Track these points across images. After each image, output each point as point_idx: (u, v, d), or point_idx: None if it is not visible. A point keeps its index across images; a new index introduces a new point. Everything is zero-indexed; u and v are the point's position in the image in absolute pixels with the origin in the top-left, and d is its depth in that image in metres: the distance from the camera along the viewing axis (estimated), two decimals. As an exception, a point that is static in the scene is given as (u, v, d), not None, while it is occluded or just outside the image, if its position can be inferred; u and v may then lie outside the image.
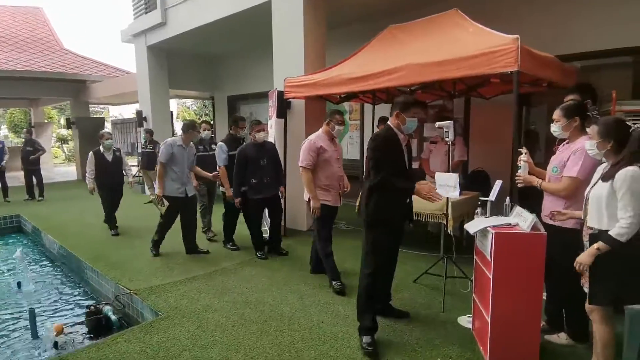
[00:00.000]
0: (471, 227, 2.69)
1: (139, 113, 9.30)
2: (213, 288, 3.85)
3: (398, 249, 3.06)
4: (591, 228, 2.18)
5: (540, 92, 4.94)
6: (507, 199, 2.83)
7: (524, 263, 2.40)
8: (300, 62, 5.60)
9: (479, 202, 2.98)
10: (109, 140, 5.92)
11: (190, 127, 4.73)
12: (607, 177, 2.07)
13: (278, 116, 5.64)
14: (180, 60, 10.11)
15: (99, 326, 3.71)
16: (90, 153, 5.84)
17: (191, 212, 4.91)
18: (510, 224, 2.52)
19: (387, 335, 2.90)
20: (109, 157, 5.93)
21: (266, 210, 4.84)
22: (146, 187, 8.63)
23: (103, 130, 6.07)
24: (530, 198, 2.89)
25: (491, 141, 5.63)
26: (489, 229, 2.51)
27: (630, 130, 2.08)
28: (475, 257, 2.88)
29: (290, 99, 5.56)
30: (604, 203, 2.07)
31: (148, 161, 8.18)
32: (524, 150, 2.77)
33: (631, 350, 2.34)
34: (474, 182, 5.29)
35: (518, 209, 2.62)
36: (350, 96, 5.59)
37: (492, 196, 2.87)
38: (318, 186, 3.78)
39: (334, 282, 3.71)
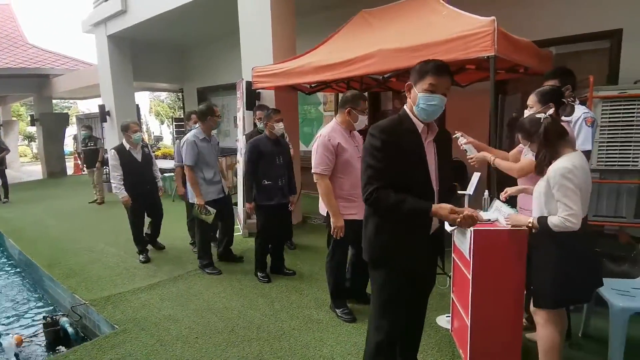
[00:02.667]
0: (449, 224, 2.51)
1: (101, 107, 8.75)
2: (177, 295, 3.58)
3: (423, 302, 2.13)
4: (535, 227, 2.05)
5: (516, 80, 4.82)
6: (486, 192, 2.67)
7: (504, 261, 2.23)
8: (269, 51, 5.29)
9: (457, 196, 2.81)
10: (137, 134, 4.39)
11: (207, 112, 3.90)
12: (540, 171, 2.03)
13: (247, 108, 5.34)
14: (145, 50, 9.57)
15: (57, 338, 3.47)
16: (112, 151, 4.36)
17: (229, 214, 4.25)
18: (489, 220, 2.35)
19: (361, 336, 2.72)
20: (138, 155, 4.43)
21: None
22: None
23: (129, 120, 4.54)
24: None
25: (468, 130, 5.45)
26: (467, 225, 2.33)
27: (541, 121, 2.01)
28: (453, 254, 2.71)
29: (259, 90, 5.26)
30: (544, 200, 1.99)
31: (91, 159, 7.96)
32: (458, 133, 2.63)
33: (616, 349, 2.23)
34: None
35: (497, 202, 2.46)
36: (322, 86, 5.34)
37: (470, 190, 2.69)
38: (339, 197, 2.83)
39: (339, 310, 3.07)
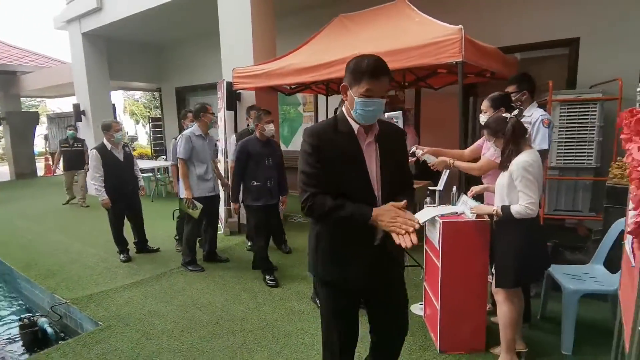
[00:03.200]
0: (421, 216, 2.71)
1: (75, 107, 8.58)
2: (160, 292, 3.64)
3: (383, 316, 1.79)
4: (498, 214, 2.28)
5: (485, 83, 5.11)
6: (454, 187, 2.88)
7: (469, 250, 2.45)
8: (249, 52, 5.39)
9: (428, 192, 3.02)
10: (119, 133, 4.36)
11: (200, 110, 4.00)
12: (503, 166, 2.24)
13: (228, 108, 5.42)
14: (122, 49, 9.44)
15: (34, 340, 3.44)
16: (94, 151, 4.28)
17: (214, 214, 4.36)
18: (457, 213, 2.56)
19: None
20: (120, 155, 4.40)
21: None
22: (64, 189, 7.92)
23: (110, 119, 4.52)
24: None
25: (441, 131, 5.73)
26: (437, 218, 2.53)
27: (507, 120, 2.24)
28: (425, 246, 2.92)
29: (239, 90, 5.36)
30: (506, 191, 2.22)
31: (76, 161, 7.64)
32: (413, 147, 2.88)
33: (568, 326, 2.48)
34: (424, 171, 5.39)
35: (464, 197, 2.67)
36: (302, 87, 5.48)
37: (440, 186, 2.90)
38: None
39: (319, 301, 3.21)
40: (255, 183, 3.66)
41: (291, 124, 8.20)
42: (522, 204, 2.12)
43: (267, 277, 3.75)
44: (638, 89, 1.17)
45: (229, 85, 5.29)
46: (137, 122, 28.64)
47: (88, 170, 7.26)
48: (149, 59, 10.40)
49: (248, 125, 4.54)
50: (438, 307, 2.52)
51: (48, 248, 5.09)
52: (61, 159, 7.75)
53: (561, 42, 4.89)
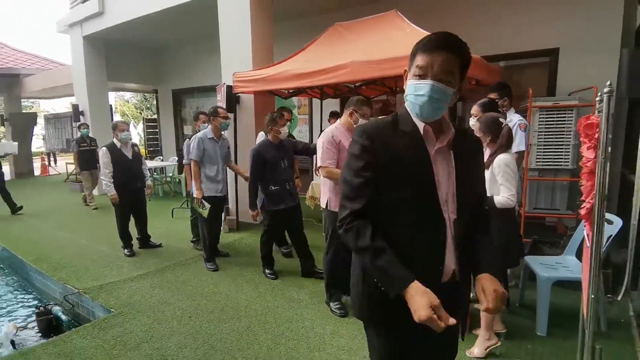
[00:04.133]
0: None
1: (75, 107, 8.73)
2: (167, 283, 3.86)
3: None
4: None
5: (473, 89, 5.42)
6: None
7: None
8: (248, 56, 5.64)
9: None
10: (125, 132, 4.57)
11: (212, 113, 4.16)
12: (487, 165, 2.50)
13: (227, 111, 5.64)
14: (120, 51, 9.61)
15: (49, 327, 3.67)
16: (104, 148, 4.51)
17: (219, 212, 4.50)
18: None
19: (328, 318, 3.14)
20: (128, 153, 4.61)
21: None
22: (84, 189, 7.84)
23: (116, 120, 4.82)
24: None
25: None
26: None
27: (502, 126, 2.51)
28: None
29: (239, 94, 5.60)
30: (488, 186, 2.49)
31: (95, 160, 7.33)
32: None
33: (542, 311, 2.77)
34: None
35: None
36: (298, 91, 5.74)
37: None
38: (335, 191, 3.00)
39: (332, 304, 3.20)
40: (273, 187, 3.69)
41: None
42: (504, 196, 2.42)
43: (267, 270, 3.96)
44: (597, 97, 1.40)
45: (229, 88, 5.52)
46: (128, 123, 28.67)
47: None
48: (147, 61, 10.58)
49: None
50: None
51: (56, 243, 5.26)
52: (78, 158, 7.49)
53: (542, 52, 5.23)
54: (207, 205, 4.11)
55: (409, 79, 1.22)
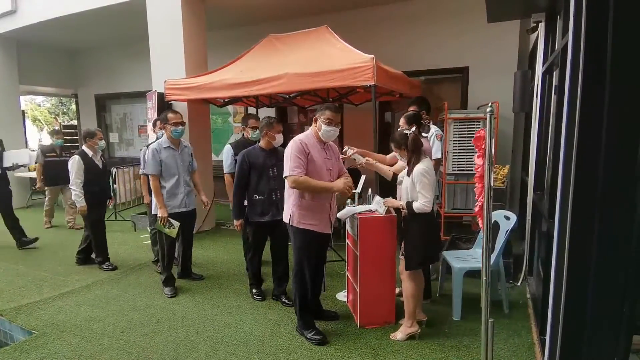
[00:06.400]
0: (342, 215, 3.21)
1: (-21, 112, 7.82)
2: (94, 299, 3.67)
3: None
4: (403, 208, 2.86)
5: (399, 101, 5.89)
6: (370, 190, 3.44)
7: (381, 241, 3.00)
8: (181, 63, 5.57)
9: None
10: (102, 141, 4.46)
11: (164, 119, 3.77)
12: (408, 173, 2.80)
13: (159, 118, 5.51)
14: (35, 52, 8.81)
15: None
16: (76, 157, 4.25)
17: (189, 229, 4.02)
18: (371, 210, 3.10)
19: (276, 314, 3.25)
20: (99, 163, 4.43)
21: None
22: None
23: (94, 128, 4.50)
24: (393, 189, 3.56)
25: (361, 142, 6.42)
26: (355, 215, 3.05)
27: (408, 136, 2.82)
28: (347, 240, 3.42)
29: (171, 101, 5.49)
30: (409, 192, 2.80)
31: (64, 173, 5.47)
32: (346, 147, 3.37)
33: (457, 298, 3.14)
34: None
35: (377, 197, 3.23)
36: (234, 100, 5.78)
37: (358, 188, 3.44)
38: (300, 206, 2.82)
39: (307, 332, 2.91)
40: (257, 197, 3.37)
41: (219, 133, 8.38)
42: (420, 202, 2.70)
43: (254, 291, 3.63)
44: (488, 110, 1.64)
45: (161, 96, 5.39)
46: (41, 129, 26.07)
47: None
48: (65, 63, 9.80)
49: (243, 134, 4.15)
50: (358, 291, 3.02)
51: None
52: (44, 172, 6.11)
53: (455, 69, 5.87)
54: (176, 224, 3.68)
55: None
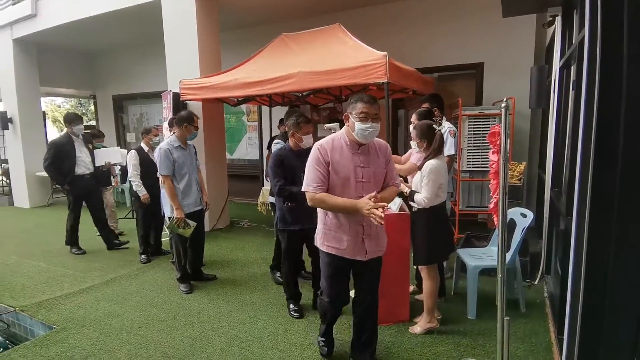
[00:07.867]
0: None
1: (2, 114, 8.07)
2: (112, 295, 3.76)
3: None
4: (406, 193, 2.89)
5: (412, 98, 5.85)
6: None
7: (395, 238, 2.98)
8: (195, 63, 5.63)
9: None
10: (157, 137, 4.67)
11: (186, 119, 3.73)
12: (420, 167, 2.80)
13: (174, 118, 5.59)
14: (54, 55, 9.05)
15: None
16: (133, 151, 4.52)
17: (201, 230, 4.01)
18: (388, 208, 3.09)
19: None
20: (153, 157, 4.38)
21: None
22: None
23: (151, 125, 4.87)
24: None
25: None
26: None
27: (435, 132, 2.80)
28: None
29: (186, 101, 5.56)
30: (419, 185, 2.80)
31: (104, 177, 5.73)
32: None
33: (472, 296, 3.10)
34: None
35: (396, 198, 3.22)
36: (247, 99, 5.82)
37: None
38: (324, 223, 2.35)
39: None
40: (289, 203, 3.08)
41: (233, 132, 8.46)
42: (422, 196, 2.72)
43: (291, 306, 3.27)
44: (503, 105, 1.62)
45: (176, 96, 5.47)
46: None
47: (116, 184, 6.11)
48: (84, 65, 10.05)
49: (285, 132, 3.88)
50: (371, 287, 3.01)
51: (-18, 261, 4.86)
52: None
53: (470, 65, 5.78)
54: (193, 224, 3.68)
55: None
